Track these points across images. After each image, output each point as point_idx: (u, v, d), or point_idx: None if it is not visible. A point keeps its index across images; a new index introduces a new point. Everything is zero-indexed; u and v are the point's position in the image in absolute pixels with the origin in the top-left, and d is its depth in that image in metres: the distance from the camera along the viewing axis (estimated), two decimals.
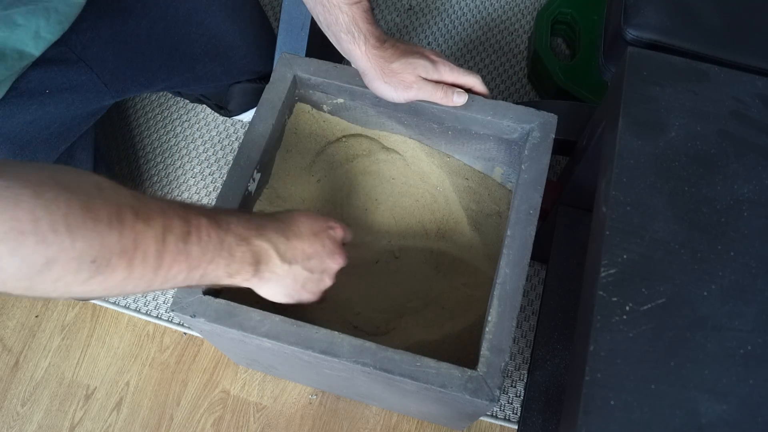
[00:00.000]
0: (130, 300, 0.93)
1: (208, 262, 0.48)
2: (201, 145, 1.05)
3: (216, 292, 0.60)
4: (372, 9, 0.65)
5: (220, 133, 1.06)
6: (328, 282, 0.59)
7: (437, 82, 0.66)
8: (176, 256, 0.46)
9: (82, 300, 0.47)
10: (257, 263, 0.53)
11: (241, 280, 0.53)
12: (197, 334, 0.91)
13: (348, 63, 0.68)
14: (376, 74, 0.65)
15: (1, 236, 0.37)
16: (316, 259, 0.57)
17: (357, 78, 0.68)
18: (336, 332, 0.56)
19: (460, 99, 0.67)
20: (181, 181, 1.02)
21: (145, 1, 0.76)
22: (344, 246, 0.62)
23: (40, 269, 0.38)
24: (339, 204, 0.76)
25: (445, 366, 0.55)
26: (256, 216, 0.56)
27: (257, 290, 0.56)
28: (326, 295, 0.61)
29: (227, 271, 0.50)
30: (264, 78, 0.93)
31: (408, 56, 0.65)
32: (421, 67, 0.65)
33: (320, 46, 0.99)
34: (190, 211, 0.48)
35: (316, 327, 0.56)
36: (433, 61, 0.66)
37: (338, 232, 0.59)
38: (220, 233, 0.49)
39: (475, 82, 0.67)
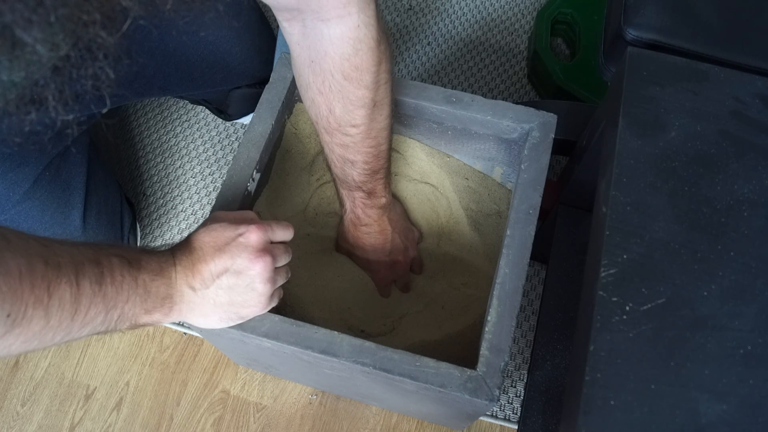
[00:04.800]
0: None
1: (124, 301, 0.48)
2: (201, 145, 1.04)
3: None
4: (371, 196, 0.66)
5: (220, 134, 1.05)
6: (262, 288, 0.54)
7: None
8: (92, 299, 0.45)
9: (3, 357, 0.46)
10: (172, 296, 0.51)
11: (161, 316, 0.51)
12: (197, 334, 0.91)
13: None
14: (343, 235, 0.72)
15: None
16: (229, 274, 0.52)
17: None
18: (335, 332, 0.56)
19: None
20: (181, 181, 1.02)
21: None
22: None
23: None
24: (338, 204, 0.76)
25: (444, 366, 0.54)
26: (167, 250, 0.54)
27: (191, 323, 0.55)
28: (280, 294, 0.58)
29: (144, 307, 0.49)
30: (264, 83, 0.93)
31: (372, 254, 0.71)
32: (368, 268, 0.73)
33: None
34: (100, 252, 0.47)
35: (315, 327, 0.56)
36: (382, 275, 0.72)
37: (251, 237, 0.53)
38: (132, 271, 0.48)
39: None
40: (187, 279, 0.52)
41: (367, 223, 0.69)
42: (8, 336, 0.41)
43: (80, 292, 0.44)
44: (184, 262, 0.52)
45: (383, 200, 0.67)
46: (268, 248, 0.54)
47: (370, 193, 0.66)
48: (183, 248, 0.53)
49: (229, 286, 0.52)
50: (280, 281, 0.56)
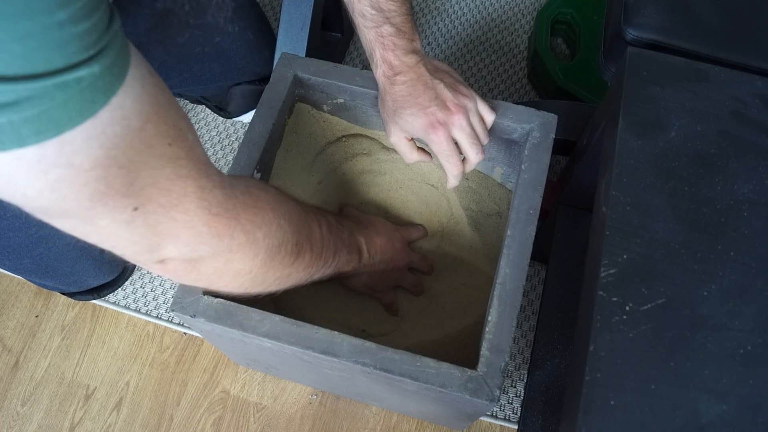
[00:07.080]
0: (130, 300, 0.93)
1: (340, 249, 0.60)
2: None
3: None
4: (400, 33, 0.61)
5: (220, 133, 1.06)
6: (395, 275, 0.70)
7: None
8: (329, 243, 0.57)
9: (274, 291, 0.55)
10: (360, 254, 0.65)
11: (351, 268, 0.64)
12: (197, 334, 0.91)
13: (348, 63, 0.68)
14: (382, 106, 0.65)
15: (258, 222, 0.46)
16: (390, 254, 0.68)
17: (357, 78, 0.68)
18: (336, 332, 0.56)
19: (451, 183, 0.67)
20: None
21: (141, 1, 0.76)
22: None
23: (275, 252, 0.48)
24: (338, 204, 0.76)
25: (445, 366, 0.54)
26: (346, 216, 0.71)
27: (350, 279, 0.68)
28: (394, 298, 0.72)
29: (347, 258, 0.62)
30: (264, 80, 0.93)
31: (415, 107, 0.61)
32: (419, 129, 0.62)
33: (320, 46, 0.99)
34: (319, 209, 0.60)
35: (316, 327, 0.56)
36: (436, 127, 0.61)
37: (408, 233, 0.72)
38: (339, 227, 0.61)
39: (476, 161, 0.65)
40: (368, 245, 0.67)
41: (402, 71, 0.62)
42: (294, 264, 0.52)
43: (323, 236, 0.56)
44: (367, 232, 0.67)
45: (416, 44, 0.62)
46: (408, 248, 0.74)
47: (399, 30, 0.61)
48: (364, 222, 0.70)
49: (385, 262, 0.69)
50: (399, 278, 0.73)
